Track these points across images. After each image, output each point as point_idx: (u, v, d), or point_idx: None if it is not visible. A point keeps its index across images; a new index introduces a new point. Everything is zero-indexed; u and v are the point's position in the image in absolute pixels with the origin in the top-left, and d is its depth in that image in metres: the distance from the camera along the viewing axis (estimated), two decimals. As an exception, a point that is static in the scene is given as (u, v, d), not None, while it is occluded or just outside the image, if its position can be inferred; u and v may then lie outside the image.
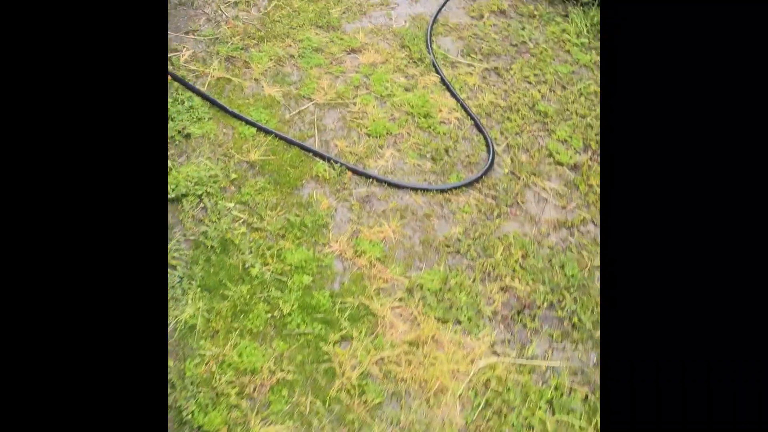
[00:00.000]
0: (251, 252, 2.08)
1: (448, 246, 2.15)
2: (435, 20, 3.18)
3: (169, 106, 2.57)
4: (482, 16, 3.25)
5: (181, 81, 2.71)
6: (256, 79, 2.78)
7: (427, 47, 2.98)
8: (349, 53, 2.96)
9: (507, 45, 3.07)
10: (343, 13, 3.21)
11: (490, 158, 2.44)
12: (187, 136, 2.48)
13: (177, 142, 2.45)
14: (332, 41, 3.01)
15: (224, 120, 2.57)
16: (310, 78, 2.80)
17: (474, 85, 2.82)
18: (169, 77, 2.73)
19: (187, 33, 3.03)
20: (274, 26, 3.08)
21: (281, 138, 2.49)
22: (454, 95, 2.74)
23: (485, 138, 2.54)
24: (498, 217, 2.26)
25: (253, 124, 2.53)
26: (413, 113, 2.64)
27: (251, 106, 2.64)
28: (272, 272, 2.03)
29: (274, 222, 2.18)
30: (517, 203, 2.32)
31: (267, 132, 2.51)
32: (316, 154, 2.44)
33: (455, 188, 2.34)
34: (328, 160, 2.41)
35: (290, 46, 2.98)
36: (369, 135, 2.54)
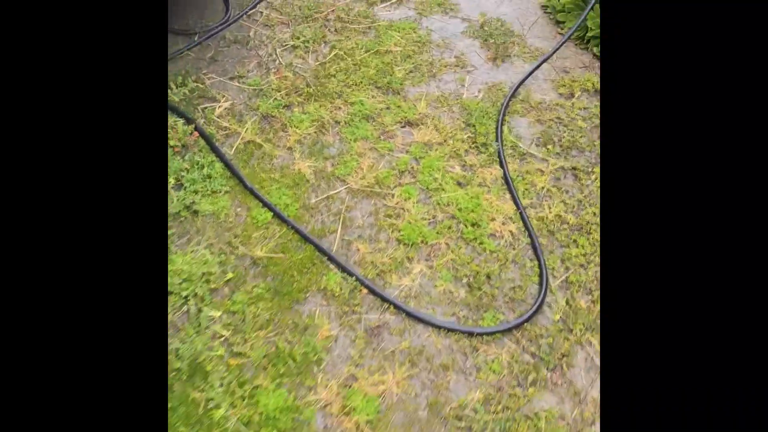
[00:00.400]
0: (221, 386, 1.74)
1: (459, 419, 1.71)
2: (514, 95, 2.70)
3: (186, 172, 2.28)
4: (572, 95, 2.74)
5: (208, 140, 2.41)
6: (289, 148, 2.44)
7: (497, 130, 2.51)
8: (404, 126, 2.55)
9: (594, 137, 2.55)
10: (410, 72, 2.80)
11: (540, 297, 1.97)
12: (195, 212, 2.18)
13: (182, 219, 2.15)
14: (388, 108, 2.62)
15: (241, 196, 2.25)
16: (350, 153, 2.42)
17: (542, 188, 2.33)
18: (197, 134, 2.44)
19: (232, 79, 2.73)
20: (327, 82, 2.72)
21: (297, 231, 2.13)
22: (514, 200, 2.27)
23: (540, 267, 2.06)
24: (533, 384, 1.79)
25: (270, 208, 2.19)
26: (460, 218, 2.20)
27: (275, 182, 2.30)
28: (238, 419, 1.68)
29: (260, 347, 1.83)
30: (562, 368, 1.84)
31: (283, 221, 2.16)
32: (331, 259, 2.06)
33: (488, 334, 1.89)
34: (343, 269, 2.03)
35: (339, 108, 2.61)
36: (400, 241, 2.13)
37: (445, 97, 2.70)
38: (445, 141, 2.48)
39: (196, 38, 2.93)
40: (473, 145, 2.47)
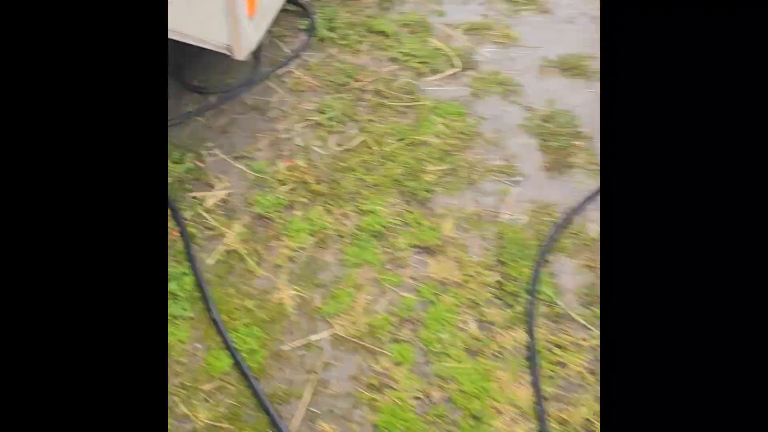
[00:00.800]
0: None
1: None
2: (566, 224, 2.18)
3: (148, 285, 1.94)
4: (640, 234, 2.18)
5: (187, 245, 2.06)
6: (277, 266, 2.05)
7: (532, 280, 2.02)
8: (419, 252, 2.10)
9: (658, 304, 1.99)
10: (444, 175, 2.33)
11: None
12: (145, 344, 1.83)
13: (128, 352, 1.81)
14: (406, 224, 2.17)
15: (204, 327, 1.89)
16: (347, 283, 2.00)
17: (576, 372, 1.82)
18: (176, 232, 2.10)
19: (237, 159, 2.37)
20: (342, 177, 2.30)
21: (254, 393, 1.75)
22: (535, 387, 1.78)
23: (547, 502, 1.58)
24: None
25: (231, 354, 1.82)
26: (458, 405, 1.74)
27: (248, 314, 1.92)
28: None
29: None
30: None
31: (242, 374, 1.78)
32: (284, 442, 1.66)
33: None
34: (296, 462, 1.63)
35: (347, 217, 2.18)
36: (377, 428, 1.70)
37: (479, 215, 2.21)
38: (465, 282, 2.01)
39: (211, 99, 2.58)
40: (499, 293, 1.99)
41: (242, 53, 2.01)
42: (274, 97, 2.62)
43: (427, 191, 2.27)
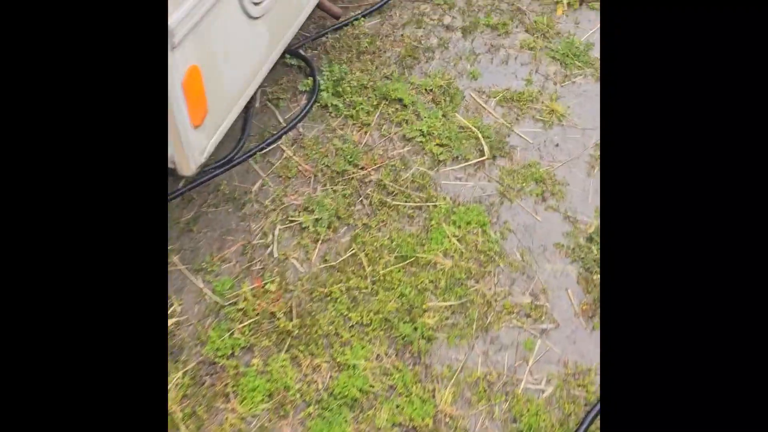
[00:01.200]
0: None
1: None
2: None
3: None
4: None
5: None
6: (218, 441, 1.59)
7: (550, 492, 1.49)
8: (404, 435, 1.61)
9: None
10: (451, 314, 1.82)
11: None
12: None
13: None
14: (391, 389, 1.68)
15: None
16: (303, 478, 1.53)
17: None
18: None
19: (197, 271, 1.92)
20: (320, 311, 1.82)
21: None
22: None
23: None
24: None
25: None
26: None
27: None
28: None
29: None
30: None
31: None
32: None
33: None
34: None
35: (317, 372, 1.71)
36: None
37: (490, 381, 1.70)
38: (459, 489, 1.51)
39: (180, 184, 2.14)
40: None
41: (189, 168, 1.55)
42: (256, 184, 2.15)
43: (425, 339, 1.77)
